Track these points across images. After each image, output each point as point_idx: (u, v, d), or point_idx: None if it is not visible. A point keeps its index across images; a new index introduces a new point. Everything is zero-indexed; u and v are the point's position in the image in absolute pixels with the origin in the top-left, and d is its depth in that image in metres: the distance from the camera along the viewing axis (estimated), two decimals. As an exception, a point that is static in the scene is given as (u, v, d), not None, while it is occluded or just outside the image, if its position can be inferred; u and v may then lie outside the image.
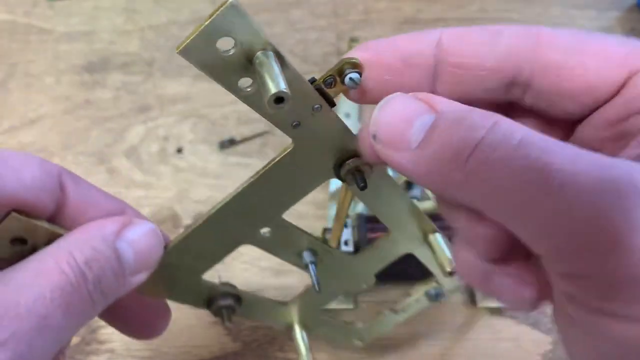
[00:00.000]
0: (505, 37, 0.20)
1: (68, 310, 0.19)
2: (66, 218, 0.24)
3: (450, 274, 0.29)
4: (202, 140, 0.50)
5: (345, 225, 0.41)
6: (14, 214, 0.22)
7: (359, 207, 0.42)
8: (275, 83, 0.18)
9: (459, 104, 0.19)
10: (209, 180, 0.48)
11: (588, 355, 0.17)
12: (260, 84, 0.19)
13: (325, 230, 0.42)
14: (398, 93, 0.20)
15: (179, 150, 0.50)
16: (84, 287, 0.20)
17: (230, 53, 0.19)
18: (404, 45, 0.21)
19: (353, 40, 0.50)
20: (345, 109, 0.50)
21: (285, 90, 0.18)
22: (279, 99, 0.18)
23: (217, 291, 0.30)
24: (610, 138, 0.20)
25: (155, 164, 0.49)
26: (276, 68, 0.19)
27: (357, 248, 0.39)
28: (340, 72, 0.21)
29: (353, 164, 0.23)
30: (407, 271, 0.40)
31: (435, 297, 0.35)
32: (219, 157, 0.49)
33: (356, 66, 0.21)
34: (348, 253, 0.35)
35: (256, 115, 0.21)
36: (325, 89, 0.21)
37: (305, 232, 0.28)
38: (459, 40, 0.21)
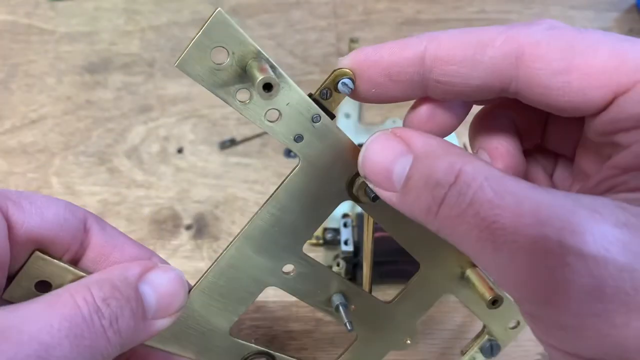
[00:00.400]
0: (488, 53, 0.20)
1: (77, 343, 0.19)
2: (89, 260, 0.24)
3: (494, 303, 0.27)
4: (203, 141, 0.50)
5: (345, 225, 0.41)
6: (38, 253, 0.22)
7: (359, 207, 0.42)
8: (263, 72, 0.19)
9: (433, 141, 0.20)
10: (210, 180, 0.48)
11: None
12: (252, 83, 0.19)
13: (326, 230, 0.42)
14: (378, 134, 0.21)
15: (180, 151, 0.50)
16: (98, 322, 0.20)
17: (225, 63, 0.20)
18: (388, 61, 0.21)
19: (353, 41, 0.50)
20: (346, 109, 0.51)
21: (272, 76, 0.19)
22: (267, 85, 0.19)
23: (251, 350, 0.29)
24: (607, 144, 0.20)
25: (156, 164, 0.49)
26: (265, 66, 0.19)
27: (357, 248, 0.39)
28: (333, 83, 0.22)
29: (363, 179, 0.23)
30: (407, 271, 0.40)
31: (491, 350, 0.32)
32: (220, 157, 0.49)
33: (347, 73, 0.22)
34: (381, 301, 0.31)
35: (256, 115, 0.21)
36: (322, 101, 0.22)
37: (333, 272, 0.28)
38: (442, 59, 0.21)
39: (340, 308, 0.27)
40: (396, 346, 0.31)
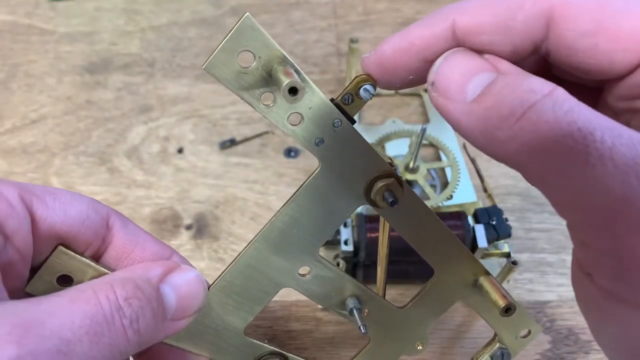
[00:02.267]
0: (519, 18, 0.19)
1: (97, 340, 0.19)
2: (111, 257, 0.25)
3: (507, 310, 0.27)
4: (203, 141, 0.50)
5: (345, 225, 0.41)
6: (61, 247, 0.23)
7: (360, 209, 0.42)
8: (289, 77, 0.19)
9: (520, 69, 0.19)
10: (210, 181, 0.48)
11: (614, 345, 0.18)
12: (277, 86, 0.20)
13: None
14: (462, 48, 0.20)
15: (180, 151, 0.50)
16: (119, 321, 0.20)
17: (251, 67, 0.20)
18: (420, 45, 0.21)
19: (353, 41, 0.50)
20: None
21: (298, 81, 0.19)
22: (292, 89, 0.19)
23: (264, 351, 0.29)
24: (627, 109, 0.20)
25: (156, 164, 0.49)
26: (290, 70, 0.20)
27: (357, 248, 0.39)
28: (356, 89, 0.22)
29: (382, 184, 0.24)
30: (407, 271, 0.40)
31: (502, 358, 0.31)
32: (220, 158, 0.49)
33: (368, 79, 0.22)
34: (395, 305, 0.30)
35: (257, 115, 0.22)
36: (344, 106, 0.22)
37: (347, 275, 0.28)
38: (472, 30, 0.20)
39: (355, 311, 0.28)
40: (408, 351, 0.31)
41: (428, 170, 0.44)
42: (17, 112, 0.52)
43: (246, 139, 0.50)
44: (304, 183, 0.24)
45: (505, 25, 0.20)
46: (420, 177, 0.43)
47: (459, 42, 0.20)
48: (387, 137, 0.45)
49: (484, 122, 0.18)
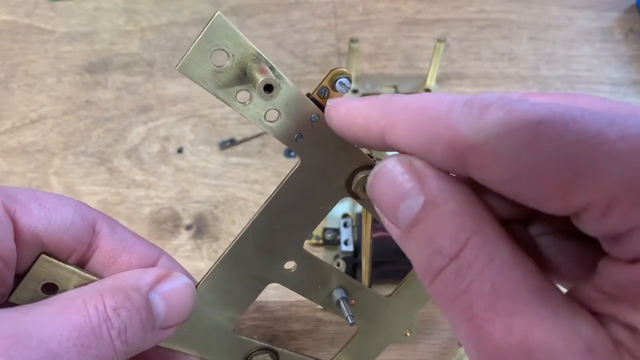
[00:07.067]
0: (437, 154, 0.17)
1: (84, 352, 0.19)
2: (98, 262, 0.24)
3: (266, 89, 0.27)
4: (203, 141, 0.50)
5: (345, 225, 0.41)
6: (44, 256, 0.22)
7: (359, 207, 0.42)
8: (263, 74, 0.19)
9: (449, 186, 0.17)
10: (210, 180, 0.48)
11: None
12: (252, 84, 0.20)
13: (326, 230, 0.42)
14: (393, 160, 0.19)
15: (180, 151, 0.50)
16: (107, 333, 0.20)
17: (225, 65, 0.20)
18: (357, 131, 0.20)
19: (353, 41, 0.50)
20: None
21: (273, 78, 0.19)
22: (267, 86, 0.19)
23: (254, 347, 0.29)
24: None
25: (156, 164, 0.49)
26: (265, 67, 0.20)
27: (357, 248, 0.39)
28: (331, 82, 0.22)
29: (362, 175, 0.24)
30: (407, 271, 0.40)
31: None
32: (220, 157, 0.49)
33: (344, 72, 0.22)
34: (381, 295, 0.31)
35: (257, 115, 0.22)
36: (320, 100, 0.22)
37: (333, 267, 0.28)
38: (400, 147, 0.19)
39: (342, 302, 0.28)
40: (396, 338, 0.31)
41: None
42: (17, 112, 0.52)
43: (246, 139, 0.50)
44: (284, 179, 0.24)
45: (430, 151, 0.17)
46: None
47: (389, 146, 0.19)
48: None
49: (413, 264, 0.18)
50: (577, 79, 0.57)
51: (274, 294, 0.41)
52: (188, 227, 0.45)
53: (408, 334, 0.31)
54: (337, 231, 0.42)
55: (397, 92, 0.54)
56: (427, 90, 0.54)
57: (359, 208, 0.42)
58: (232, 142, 0.50)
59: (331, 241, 0.42)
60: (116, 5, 0.62)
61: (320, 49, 0.58)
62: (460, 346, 0.33)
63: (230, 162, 0.49)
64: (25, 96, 0.54)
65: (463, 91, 0.55)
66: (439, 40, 0.50)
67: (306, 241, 0.42)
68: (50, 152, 0.49)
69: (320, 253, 0.43)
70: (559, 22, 0.62)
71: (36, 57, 0.57)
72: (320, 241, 0.42)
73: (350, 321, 0.27)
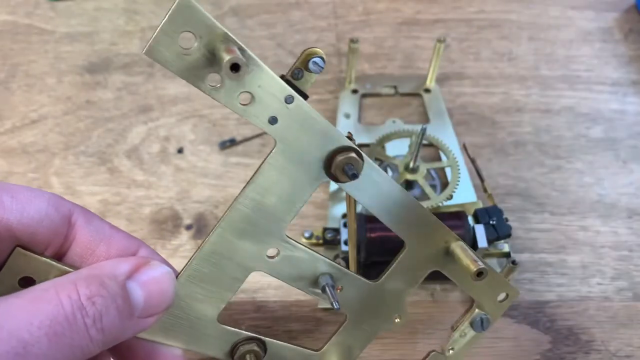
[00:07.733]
0: None
1: (56, 340, 0.19)
2: (76, 254, 0.24)
3: (479, 275, 0.26)
4: (203, 141, 0.50)
5: (345, 225, 0.41)
6: (19, 249, 0.22)
7: (359, 207, 0.42)
8: (230, 54, 0.19)
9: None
10: (210, 181, 0.48)
11: None
12: (219, 65, 0.19)
13: (325, 229, 0.42)
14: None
15: (180, 151, 0.50)
16: (81, 320, 0.20)
17: (192, 48, 0.20)
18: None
19: (353, 41, 0.50)
20: (345, 109, 0.51)
21: (239, 57, 0.19)
22: (234, 65, 0.19)
23: (241, 337, 0.29)
24: None
25: (156, 164, 0.49)
26: (233, 47, 0.19)
27: (357, 248, 0.39)
28: (304, 63, 0.22)
29: (342, 157, 0.23)
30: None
31: (482, 324, 0.32)
32: (220, 158, 0.49)
33: (317, 52, 0.22)
34: (367, 279, 0.30)
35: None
36: (294, 81, 0.22)
37: (317, 252, 0.27)
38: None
39: (327, 289, 0.27)
40: (386, 325, 0.31)
41: (428, 170, 0.44)
42: (17, 112, 0.52)
43: (246, 139, 0.50)
44: (261, 164, 0.23)
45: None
46: (420, 177, 0.43)
47: None
48: (387, 137, 0.45)
49: None
50: (576, 79, 0.57)
51: (274, 294, 0.41)
52: (188, 227, 0.45)
53: (398, 320, 0.31)
54: (337, 231, 0.42)
55: (397, 92, 0.54)
56: (427, 90, 0.54)
57: (359, 208, 0.42)
58: (232, 142, 0.50)
59: (331, 241, 0.42)
60: (116, 5, 0.62)
61: (321, 49, 0.58)
62: (454, 330, 0.33)
63: (230, 162, 0.49)
64: (25, 96, 0.54)
65: (463, 91, 0.55)
66: (439, 41, 0.50)
67: (306, 241, 0.42)
68: (50, 152, 0.50)
69: (320, 253, 0.43)
70: (559, 22, 0.62)
71: (36, 57, 0.57)
72: (320, 241, 0.42)
73: (336, 306, 0.27)
